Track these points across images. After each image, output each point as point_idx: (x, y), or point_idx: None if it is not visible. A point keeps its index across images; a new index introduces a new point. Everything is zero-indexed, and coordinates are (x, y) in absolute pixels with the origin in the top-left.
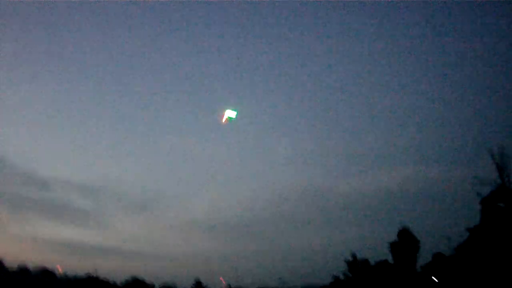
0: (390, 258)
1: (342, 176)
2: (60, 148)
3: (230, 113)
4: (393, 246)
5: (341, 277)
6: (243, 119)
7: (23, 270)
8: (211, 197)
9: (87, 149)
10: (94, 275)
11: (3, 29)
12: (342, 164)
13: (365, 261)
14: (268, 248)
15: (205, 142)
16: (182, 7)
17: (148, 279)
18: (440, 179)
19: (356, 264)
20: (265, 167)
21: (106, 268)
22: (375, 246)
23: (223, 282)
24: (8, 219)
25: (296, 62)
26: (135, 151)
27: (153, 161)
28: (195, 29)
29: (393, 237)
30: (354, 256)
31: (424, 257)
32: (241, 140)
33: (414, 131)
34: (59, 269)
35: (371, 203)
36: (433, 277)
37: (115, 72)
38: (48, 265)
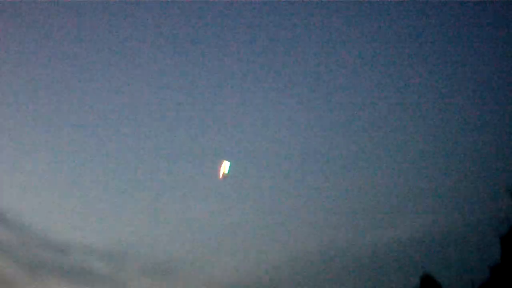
0: None
1: (361, 231)
2: (79, 211)
3: (225, 167)
4: None
5: None
6: (255, 179)
7: None
8: (231, 261)
9: (105, 213)
10: None
11: None
12: (361, 219)
13: None
14: None
15: (227, 208)
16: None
17: None
18: (459, 224)
19: None
20: (282, 229)
21: None
22: None
23: None
24: (26, 283)
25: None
26: (157, 216)
27: (175, 226)
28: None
29: (416, 286)
30: None
31: None
32: (261, 202)
33: (429, 178)
34: None
35: (392, 255)
36: None
37: (138, 135)
38: None
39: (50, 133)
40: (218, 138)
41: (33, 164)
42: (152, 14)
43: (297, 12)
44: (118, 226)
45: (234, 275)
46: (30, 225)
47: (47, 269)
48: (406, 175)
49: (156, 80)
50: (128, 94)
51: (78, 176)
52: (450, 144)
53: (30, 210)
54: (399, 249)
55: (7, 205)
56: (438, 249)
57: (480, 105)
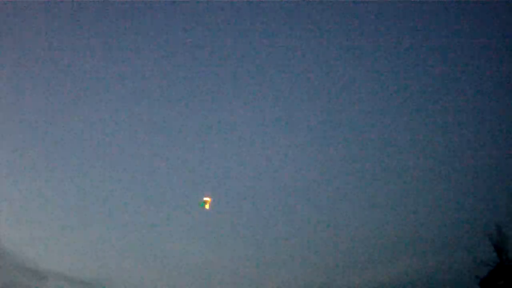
0: None
1: (338, 274)
2: (59, 241)
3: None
4: None
5: None
6: (234, 217)
7: None
8: None
9: (85, 243)
10: None
11: None
12: (338, 261)
13: None
14: None
15: (204, 247)
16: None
17: None
18: (438, 268)
19: None
20: (262, 267)
21: None
22: None
23: None
24: None
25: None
26: (134, 251)
27: (152, 262)
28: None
29: None
30: None
31: None
32: (235, 245)
33: (406, 223)
34: None
35: None
36: None
37: (124, 168)
38: None
39: (30, 159)
40: (200, 180)
41: (15, 191)
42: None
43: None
44: (95, 257)
45: None
46: (9, 250)
47: None
48: (385, 220)
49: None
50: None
51: (60, 206)
52: (429, 189)
53: (10, 235)
54: None
55: None
56: None
57: (463, 149)
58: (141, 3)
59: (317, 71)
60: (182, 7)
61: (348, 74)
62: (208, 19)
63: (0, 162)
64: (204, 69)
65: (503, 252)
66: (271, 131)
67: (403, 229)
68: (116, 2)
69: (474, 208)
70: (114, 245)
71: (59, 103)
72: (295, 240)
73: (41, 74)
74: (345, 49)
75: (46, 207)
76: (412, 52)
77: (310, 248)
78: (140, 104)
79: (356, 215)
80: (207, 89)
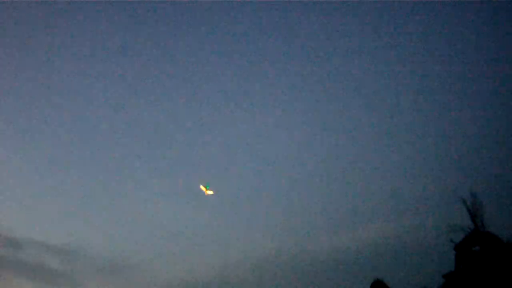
0: None
1: (312, 237)
2: (35, 209)
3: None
4: None
5: None
6: (218, 184)
7: None
8: (184, 262)
9: (62, 210)
10: None
11: None
12: (312, 225)
13: None
14: None
15: (178, 211)
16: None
17: None
18: (412, 231)
19: None
20: (236, 231)
21: None
22: None
23: None
24: None
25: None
26: (110, 216)
27: (127, 226)
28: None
29: None
30: None
31: None
32: (213, 205)
33: (381, 185)
34: None
35: (344, 261)
36: None
37: (100, 138)
38: None
39: (9, 123)
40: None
41: None
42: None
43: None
44: (74, 224)
45: (185, 276)
46: None
47: (2, 263)
48: (361, 181)
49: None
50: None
51: (35, 173)
52: (407, 152)
53: None
54: (351, 255)
55: None
56: (391, 255)
57: (443, 114)
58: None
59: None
60: None
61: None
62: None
63: None
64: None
65: (478, 218)
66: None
67: (379, 191)
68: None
69: (449, 173)
70: (90, 211)
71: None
72: (274, 202)
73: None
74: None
75: (20, 174)
76: None
77: (285, 210)
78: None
79: (333, 177)
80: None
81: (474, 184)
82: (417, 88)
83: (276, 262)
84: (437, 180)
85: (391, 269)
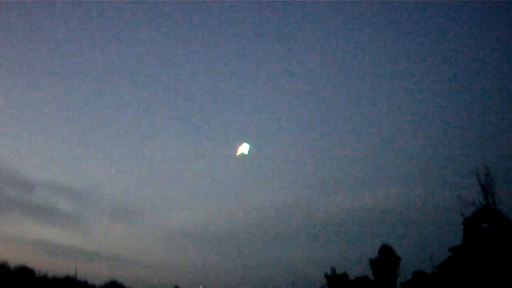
0: (370, 275)
1: (325, 194)
2: (47, 151)
3: (244, 148)
4: (373, 263)
5: None
6: (228, 132)
7: (1, 267)
8: (194, 208)
9: (73, 153)
10: (73, 277)
11: None
12: (325, 182)
13: (344, 276)
14: (247, 260)
15: (189, 157)
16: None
17: (126, 283)
18: (424, 199)
19: (335, 279)
20: (249, 180)
21: (86, 271)
22: (356, 263)
23: None
24: None
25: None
26: (123, 158)
27: (140, 170)
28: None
29: (375, 254)
30: (333, 270)
31: (405, 275)
32: (225, 153)
33: (398, 151)
34: (39, 269)
35: (354, 221)
36: None
37: (113, 76)
38: (29, 265)
39: (24, 67)
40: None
41: (3, 100)
42: None
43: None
44: (86, 166)
45: (195, 222)
46: None
47: (12, 205)
48: (375, 145)
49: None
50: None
51: (49, 115)
52: (423, 119)
53: None
54: (361, 217)
55: None
56: (401, 221)
57: (458, 86)
58: None
59: None
60: None
61: None
62: None
63: None
64: None
65: (489, 195)
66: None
67: (392, 156)
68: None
69: (464, 145)
70: (104, 155)
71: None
72: (282, 157)
73: None
74: None
75: (34, 117)
76: None
77: (298, 168)
78: None
79: (350, 138)
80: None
81: (489, 160)
82: (438, 59)
83: (289, 215)
84: (451, 151)
85: (399, 236)
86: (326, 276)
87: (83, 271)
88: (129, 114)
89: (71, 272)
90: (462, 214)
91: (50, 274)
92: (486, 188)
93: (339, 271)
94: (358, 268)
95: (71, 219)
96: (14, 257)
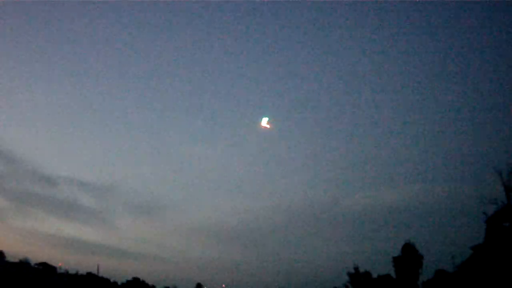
0: (392, 273)
1: (349, 191)
2: (70, 147)
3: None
4: (396, 261)
5: None
6: (253, 128)
7: (23, 263)
8: (215, 205)
9: (96, 149)
10: (95, 273)
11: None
12: (349, 179)
13: (367, 274)
14: (270, 257)
15: (214, 153)
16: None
17: (149, 280)
18: (446, 197)
19: (358, 277)
20: (271, 178)
21: (108, 267)
22: (379, 260)
23: (224, 287)
24: (14, 213)
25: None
26: (146, 155)
27: (162, 166)
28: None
29: (397, 252)
30: (356, 268)
31: (427, 273)
32: (251, 151)
33: (421, 149)
34: (60, 265)
35: (377, 219)
36: None
37: (135, 72)
38: (51, 261)
39: (48, 66)
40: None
41: (28, 97)
42: None
43: None
44: (108, 162)
45: (217, 220)
46: (21, 157)
47: (36, 200)
48: (398, 143)
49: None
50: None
51: (73, 111)
52: (446, 118)
53: (22, 142)
54: (385, 214)
55: None
56: (423, 220)
57: (482, 86)
58: None
59: None
60: None
61: None
62: None
63: (9, 68)
64: None
65: None
66: None
67: (414, 154)
68: None
69: (488, 144)
70: (126, 151)
71: None
72: (306, 156)
73: None
74: None
75: (58, 113)
76: None
77: (322, 164)
78: None
79: (372, 136)
80: None
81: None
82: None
83: (312, 213)
84: (475, 149)
85: (422, 234)
86: (349, 274)
87: (106, 267)
88: (152, 110)
89: (93, 269)
90: (484, 213)
91: (71, 270)
92: (509, 187)
93: (362, 269)
94: (381, 266)
95: (93, 214)
96: (36, 252)
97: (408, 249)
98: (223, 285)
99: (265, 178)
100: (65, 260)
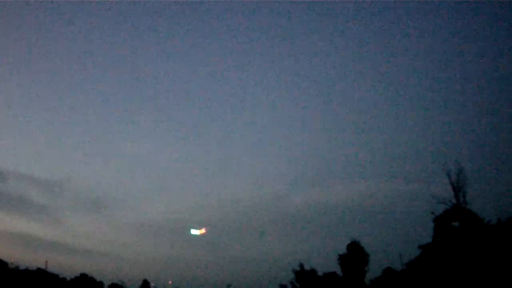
0: (339, 271)
1: (297, 188)
2: (19, 142)
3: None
4: (342, 258)
5: (289, 286)
6: (202, 124)
7: None
8: (165, 202)
9: (46, 144)
10: (45, 269)
11: None
12: (298, 176)
13: (313, 272)
14: (218, 254)
15: (162, 149)
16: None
17: (97, 277)
18: (396, 195)
19: (303, 274)
20: (222, 175)
21: (57, 263)
22: (326, 258)
23: (171, 284)
24: None
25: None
26: (96, 151)
27: (112, 163)
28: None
29: (344, 250)
30: (301, 266)
31: (375, 271)
32: (199, 148)
33: (372, 146)
34: (12, 261)
35: (326, 215)
36: None
37: (87, 71)
38: (1, 256)
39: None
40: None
41: None
42: None
43: None
44: (58, 157)
45: (164, 215)
46: None
47: None
48: (349, 139)
49: None
50: None
51: (21, 106)
52: (398, 115)
53: None
54: (333, 212)
55: None
56: (372, 217)
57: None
58: None
59: None
60: None
61: None
62: None
63: None
64: None
65: (461, 193)
66: None
67: (366, 150)
68: None
69: (440, 143)
70: (77, 146)
71: None
72: (259, 152)
73: None
74: None
75: (6, 108)
76: None
77: (274, 161)
78: None
79: (322, 132)
80: None
81: (462, 159)
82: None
83: (262, 209)
84: (426, 148)
85: (370, 231)
86: (294, 271)
87: (54, 263)
88: (101, 106)
89: (43, 264)
90: (432, 213)
91: (22, 266)
92: (458, 187)
93: (307, 266)
94: (328, 264)
95: (42, 210)
96: None
97: (354, 247)
98: (170, 282)
99: (214, 175)
100: (15, 255)
